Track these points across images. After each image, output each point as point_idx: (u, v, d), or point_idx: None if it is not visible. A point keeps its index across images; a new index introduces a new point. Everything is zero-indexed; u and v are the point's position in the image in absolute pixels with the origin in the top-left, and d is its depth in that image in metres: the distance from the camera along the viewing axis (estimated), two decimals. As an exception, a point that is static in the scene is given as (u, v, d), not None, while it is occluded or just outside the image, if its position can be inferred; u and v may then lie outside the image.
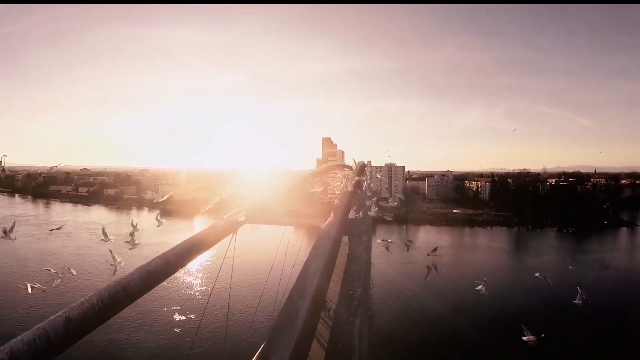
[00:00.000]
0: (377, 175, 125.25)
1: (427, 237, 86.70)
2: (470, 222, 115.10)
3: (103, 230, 11.25)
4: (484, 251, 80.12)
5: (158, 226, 11.58)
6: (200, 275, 56.22)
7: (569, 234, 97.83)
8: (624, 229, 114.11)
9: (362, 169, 34.99)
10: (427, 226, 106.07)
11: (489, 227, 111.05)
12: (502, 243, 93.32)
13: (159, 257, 5.90)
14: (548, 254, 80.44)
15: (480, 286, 16.48)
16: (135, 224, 11.30)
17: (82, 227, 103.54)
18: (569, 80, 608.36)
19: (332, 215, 10.23)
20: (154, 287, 5.65)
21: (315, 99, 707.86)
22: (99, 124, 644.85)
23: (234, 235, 9.30)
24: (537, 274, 17.35)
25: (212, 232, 7.96)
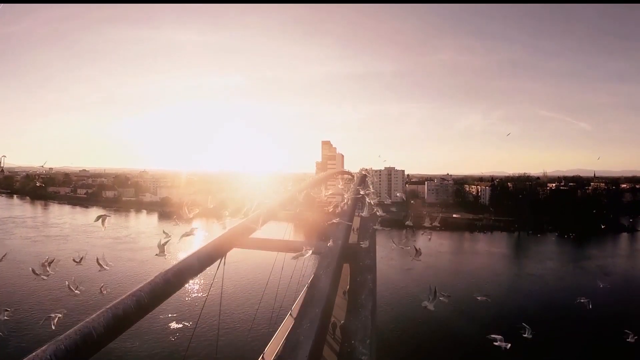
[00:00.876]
0: (397, 194, 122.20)
1: (426, 242, 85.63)
2: (470, 227, 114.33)
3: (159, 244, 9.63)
4: (485, 257, 79.36)
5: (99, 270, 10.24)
6: (187, 293, 55.45)
7: (569, 239, 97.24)
8: (624, 234, 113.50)
9: (363, 179, 32.87)
10: (427, 231, 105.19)
11: (489, 232, 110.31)
12: (503, 249, 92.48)
13: (129, 296, 5.11)
14: (550, 260, 79.66)
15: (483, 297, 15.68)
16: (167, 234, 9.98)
17: (79, 229, 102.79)
18: (569, 83, 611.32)
19: (330, 241, 9.08)
20: (123, 332, 4.93)
21: (315, 102, 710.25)
22: (98, 125, 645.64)
23: (223, 260, 8.51)
24: (580, 300, 16.35)
25: (196, 259, 7.16)
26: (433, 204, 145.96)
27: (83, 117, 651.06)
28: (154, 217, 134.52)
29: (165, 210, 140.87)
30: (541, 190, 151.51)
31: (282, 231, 24.12)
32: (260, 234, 12.51)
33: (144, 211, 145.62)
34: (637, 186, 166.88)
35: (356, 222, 27.06)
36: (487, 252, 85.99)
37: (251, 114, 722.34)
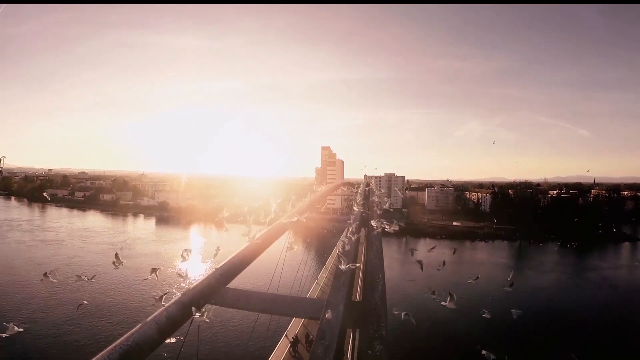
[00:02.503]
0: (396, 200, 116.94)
1: (427, 253, 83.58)
2: (471, 236, 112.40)
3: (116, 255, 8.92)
4: (487, 267, 77.47)
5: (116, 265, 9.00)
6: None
7: (571, 248, 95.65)
8: (626, 244, 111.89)
9: (367, 198, 29.58)
10: (428, 239, 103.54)
11: (490, 241, 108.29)
12: (505, 259, 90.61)
13: None
14: (553, 271, 78.02)
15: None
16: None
17: (75, 234, 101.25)
18: (568, 91, 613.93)
19: (329, 312, 7.27)
20: None
21: (314, 107, 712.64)
22: (99, 128, 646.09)
23: (199, 316, 6.80)
24: None
25: (154, 326, 5.52)
26: (433, 211, 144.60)
27: (84, 120, 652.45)
28: (152, 221, 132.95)
29: (163, 215, 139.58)
30: (542, 197, 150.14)
31: (281, 239, 23.02)
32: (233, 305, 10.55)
33: (142, 215, 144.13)
34: (638, 194, 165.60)
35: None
36: (489, 262, 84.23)
37: (251, 119, 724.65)
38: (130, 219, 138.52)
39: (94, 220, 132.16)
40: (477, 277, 21.03)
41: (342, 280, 8.63)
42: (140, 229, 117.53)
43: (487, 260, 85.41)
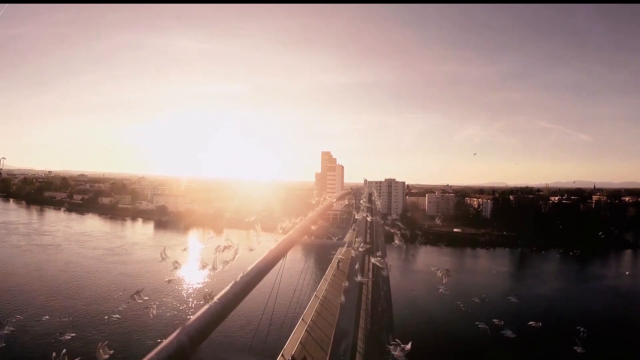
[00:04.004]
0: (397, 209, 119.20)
1: (427, 261, 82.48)
2: (472, 243, 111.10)
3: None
4: (489, 276, 76.24)
5: None
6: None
7: (574, 256, 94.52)
8: (629, 251, 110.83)
9: (371, 209, 28.00)
10: (428, 246, 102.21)
11: (491, 248, 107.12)
12: (507, 267, 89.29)
13: None
14: (557, 280, 76.85)
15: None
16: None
17: (72, 238, 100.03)
18: (569, 95, 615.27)
19: None
20: None
21: (314, 111, 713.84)
22: (100, 130, 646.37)
23: None
24: None
25: None
26: (434, 217, 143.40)
27: (84, 121, 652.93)
28: (150, 226, 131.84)
29: (161, 219, 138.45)
30: (543, 204, 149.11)
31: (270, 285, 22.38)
32: None
33: (140, 219, 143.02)
34: (639, 199, 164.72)
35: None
36: (491, 270, 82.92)
37: (251, 122, 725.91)
38: (128, 222, 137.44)
39: (92, 224, 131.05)
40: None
41: (344, 347, 7.40)
42: (138, 234, 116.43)
43: (489, 269, 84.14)
